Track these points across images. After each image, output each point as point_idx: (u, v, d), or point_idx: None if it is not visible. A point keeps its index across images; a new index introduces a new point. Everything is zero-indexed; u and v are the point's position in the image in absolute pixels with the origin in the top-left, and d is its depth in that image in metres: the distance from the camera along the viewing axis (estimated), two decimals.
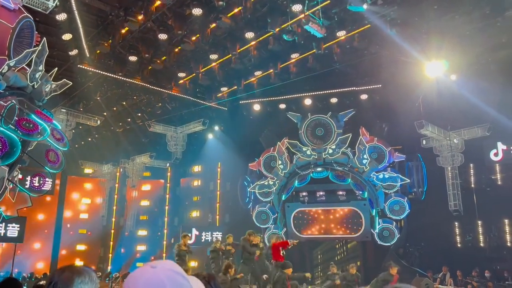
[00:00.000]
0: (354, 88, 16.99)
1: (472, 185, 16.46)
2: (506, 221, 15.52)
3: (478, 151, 16.15)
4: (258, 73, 15.93)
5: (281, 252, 11.51)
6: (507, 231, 15.54)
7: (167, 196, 23.58)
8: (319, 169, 17.41)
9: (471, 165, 16.60)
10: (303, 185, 17.88)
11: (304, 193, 18.28)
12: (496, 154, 15.90)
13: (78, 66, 14.30)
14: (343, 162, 17.01)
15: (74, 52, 13.51)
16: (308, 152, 17.39)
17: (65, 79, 11.53)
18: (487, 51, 12.75)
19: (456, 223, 16.63)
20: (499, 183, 15.92)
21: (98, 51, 13.87)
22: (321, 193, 18.22)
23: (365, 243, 17.15)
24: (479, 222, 16.04)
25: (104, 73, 15.20)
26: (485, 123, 15.59)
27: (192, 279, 1.47)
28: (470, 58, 13.11)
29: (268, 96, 17.85)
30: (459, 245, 16.51)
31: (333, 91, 17.38)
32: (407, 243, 16.90)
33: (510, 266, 14.90)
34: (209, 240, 18.96)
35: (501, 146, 15.75)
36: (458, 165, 16.45)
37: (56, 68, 11.33)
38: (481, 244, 15.99)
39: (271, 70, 15.42)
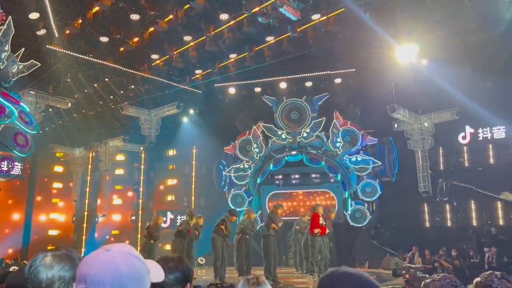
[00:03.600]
0: (329, 72, 17.09)
1: (441, 168, 16.97)
2: (472, 202, 16.12)
3: (447, 135, 16.65)
4: (233, 56, 15.82)
5: (321, 222, 10.76)
6: (473, 212, 16.15)
7: (141, 180, 23.35)
8: (293, 152, 17.57)
9: (440, 148, 17.08)
10: (278, 168, 18.04)
11: (279, 176, 18.46)
12: (464, 137, 16.43)
13: (47, 46, 13.84)
14: (317, 146, 17.23)
15: (42, 32, 13.05)
16: (283, 136, 17.51)
17: (33, 60, 11.21)
18: (457, 36, 13.02)
19: (425, 204, 17.16)
20: (466, 165, 16.47)
21: (67, 31, 13.43)
22: (296, 176, 18.46)
23: (337, 224, 17.46)
24: (447, 203, 16.60)
25: (74, 54, 14.78)
26: (454, 107, 16.03)
27: (150, 262, 1.47)
28: (441, 43, 13.35)
29: (243, 80, 17.77)
30: (427, 225, 17.06)
31: (308, 74, 17.48)
32: (378, 224, 17.37)
33: (475, 245, 15.52)
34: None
35: (469, 130, 16.27)
36: (428, 148, 16.92)
37: (23, 49, 10.99)
38: (449, 225, 16.58)
39: (246, 53, 15.33)
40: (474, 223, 16.05)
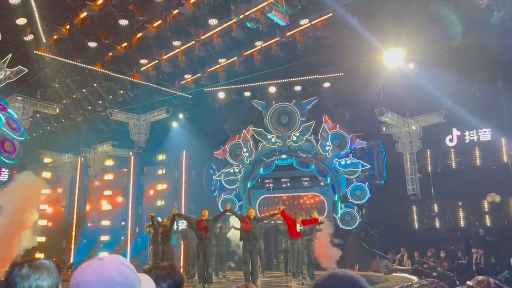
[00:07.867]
0: (317, 76, 17.21)
1: (429, 170, 17.16)
2: (460, 203, 16.31)
3: (435, 137, 16.86)
4: (222, 61, 15.85)
5: (298, 228, 11.07)
6: (461, 213, 16.35)
7: (131, 185, 23.18)
8: (283, 156, 17.67)
9: (428, 150, 17.28)
10: (268, 172, 18.12)
11: (269, 180, 18.52)
12: (451, 140, 16.64)
13: (34, 52, 13.72)
14: (306, 149, 17.35)
15: (29, 37, 12.93)
16: (273, 140, 17.59)
17: (20, 66, 11.14)
18: (443, 40, 13.21)
19: (414, 206, 17.33)
20: (454, 167, 16.67)
21: (55, 37, 13.34)
22: (286, 179, 18.53)
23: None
24: (435, 205, 16.79)
25: (62, 59, 14.67)
26: (441, 110, 16.25)
27: (142, 275, 1.52)
28: (427, 47, 13.55)
29: (233, 84, 17.81)
30: (416, 227, 17.22)
31: (297, 79, 17.57)
32: (367, 227, 17.49)
33: (463, 246, 15.70)
34: (175, 229, 18.84)
35: (455, 132, 16.49)
36: (416, 151, 17.12)
37: (11, 54, 10.93)
38: (437, 226, 16.76)
39: (235, 58, 15.37)
40: (462, 224, 16.24)
